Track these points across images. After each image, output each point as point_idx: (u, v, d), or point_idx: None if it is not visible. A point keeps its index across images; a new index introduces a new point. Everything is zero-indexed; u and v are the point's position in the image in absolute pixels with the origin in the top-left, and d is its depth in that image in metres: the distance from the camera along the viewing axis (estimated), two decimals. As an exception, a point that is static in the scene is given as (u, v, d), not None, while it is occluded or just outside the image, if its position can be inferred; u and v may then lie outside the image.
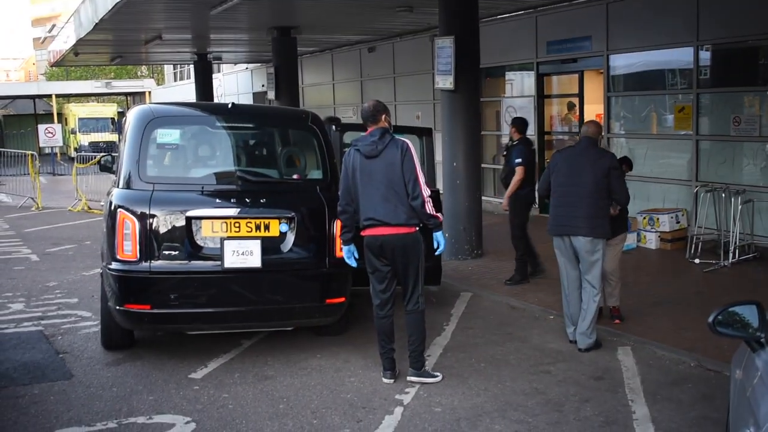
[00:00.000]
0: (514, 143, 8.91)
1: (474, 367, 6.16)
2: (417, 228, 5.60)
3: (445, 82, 10.25)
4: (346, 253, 5.73)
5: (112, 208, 5.85)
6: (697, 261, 9.71)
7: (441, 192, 9.14)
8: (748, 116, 10.36)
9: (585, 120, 12.57)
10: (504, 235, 11.07)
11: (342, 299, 6.20)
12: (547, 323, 7.34)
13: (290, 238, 5.99)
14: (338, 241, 6.03)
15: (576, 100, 13.60)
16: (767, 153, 10.22)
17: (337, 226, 5.96)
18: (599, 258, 6.48)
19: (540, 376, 5.93)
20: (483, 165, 14.31)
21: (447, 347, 6.67)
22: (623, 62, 12.48)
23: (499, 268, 9.68)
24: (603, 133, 12.09)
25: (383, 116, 5.66)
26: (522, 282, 8.81)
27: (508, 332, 7.13)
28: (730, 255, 9.58)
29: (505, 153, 9.17)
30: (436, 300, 8.24)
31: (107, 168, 7.42)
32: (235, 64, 28.26)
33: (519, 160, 8.65)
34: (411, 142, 5.63)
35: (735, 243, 9.62)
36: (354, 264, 5.75)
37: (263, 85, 23.12)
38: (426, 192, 5.51)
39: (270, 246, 5.92)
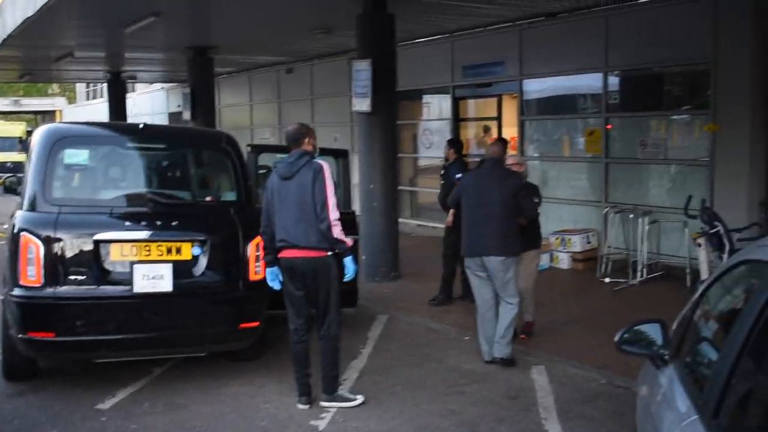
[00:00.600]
0: (451, 162, 9.08)
1: (390, 389, 6.14)
2: (328, 252, 5.53)
3: (362, 104, 10.29)
4: (269, 275, 5.66)
5: (15, 231, 5.61)
6: (607, 280, 9.98)
7: (357, 214, 9.14)
8: (654, 139, 10.76)
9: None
10: (421, 257, 11.13)
11: (256, 323, 6.10)
12: (463, 344, 7.40)
13: (203, 261, 5.88)
14: (252, 264, 5.96)
15: (493, 124, 13.88)
16: (672, 175, 10.62)
17: (260, 247, 5.89)
18: (512, 275, 6.62)
19: (455, 396, 5.95)
20: (399, 187, 14.40)
21: (363, 370, 6.63)
22: (536, 87, 12.81)
23: (416, 290, 9.71)
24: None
25: (306, 139, 5.64)
26: (446, 303, 8.84)
27: (424, 354, 7.14)
28: (639, 274, 9.88)
29: (442, 173, 9.28)
30: (353, 323, 8.20)
31: (12, 190, 7.13)
32: (151, 83, 27.77)
33: (459, 175, 8.68)
34: (328, 164, 5.61)
35: (643, 262, 9.93)
36: (278, 286, 5.68)
37: (179, 106, 22.76)
38: (334, 215, 5.43)
39: (182, 270, 5.80)
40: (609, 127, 11.37)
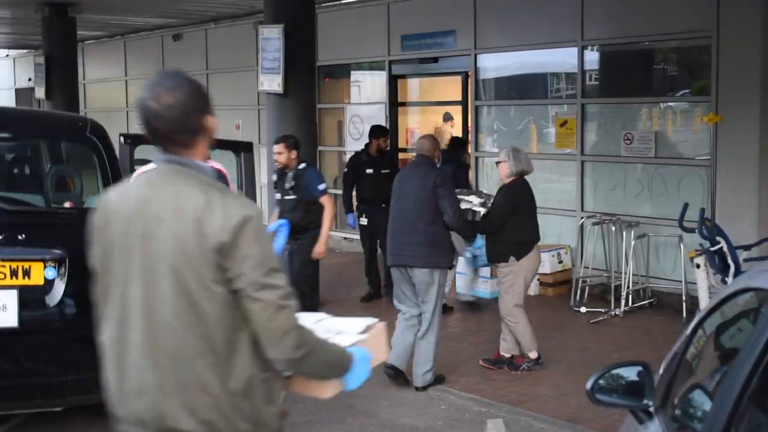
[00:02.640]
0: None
1: (306, 452, 6.15)
2: None
3: (272, 83, 10.27)
4: None
5: None
6: (583, 309, 10.18)
7: (264, 224, 9.11)
8: (641, 132, 11.00)
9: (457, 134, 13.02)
10: (348, 278, 11.19)
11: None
12: (400, 393, 7.45)
13: (59, 287, 5.80)
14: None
15: (452, 110, 14.05)
16: (664, 177, 10.87)
17: None
18: (436, 291, 7.25)
19: (390, 461, 6.00)
20: (322, 189, 14.45)
21: (271, 427, 6.61)
22: (495, 63, 12.97)
23: (340, 322, 9.75)
24: (470, 151, 12.56)
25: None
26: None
27: (349, 405, 7.16)
28: (622, 302, 10.09)
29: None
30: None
31: None
32: (-8, 50, 27.17)
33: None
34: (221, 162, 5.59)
35: (628, 287, 10.15)
36: None
37: (30, 80, 22.30)
38: None
39: (31, 298, 5.73)
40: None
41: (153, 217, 2.78)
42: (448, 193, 7.25)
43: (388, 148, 10.92)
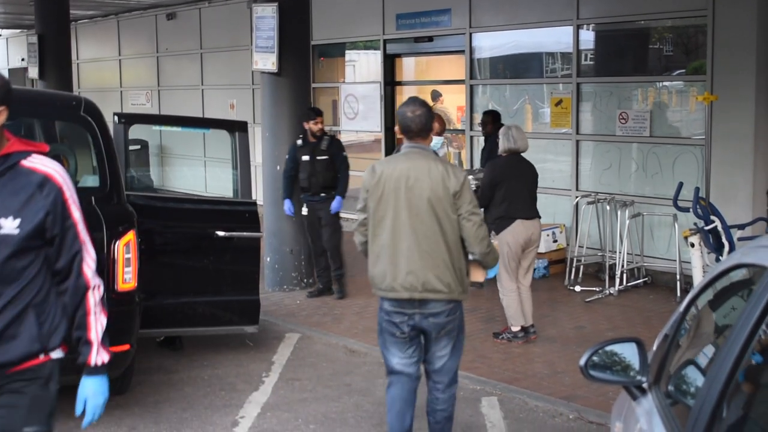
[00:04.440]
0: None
1: (301, 429, 6.19)
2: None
3: (266, 62, 10.26)
4: None
5: None
6: (578, 288, 10.22)
7: (260, 204, 9.13)
8: (637, 112, 11.03)
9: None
10: (345, 258, 11.18)
11: (126, 347, 6.06)
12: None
13: (54, 266, 5.80)
14: (121, 269, 5.92)
15: (451, 89, 14.02)
16: (659, 157, 10.90)
17: (131, 247, 5.93)
18: None
19: (385, 439, 6.04)
20: (316, 169, 14.45)
21: (267, 405, 6.66)
22: (490, 42, 12.96)
23: (335, 300, 9.79)
24: (466, 132, 12.56)
25: None
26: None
27: (345, 384, 7.20)
28: (617, 280, 10.14)
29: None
30: (254, 344, 8.21)
31: None
32: (-16, 29, 27.06)
33: None
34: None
35: (622, 266, 10.19)
36: None
37: (23, 59, 22.24)
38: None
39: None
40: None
41: (413, 177, 5.01)
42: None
43: (321, 132, 9.82)
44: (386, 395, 5.31)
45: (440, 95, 14.28)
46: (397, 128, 5.31)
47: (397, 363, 5.17)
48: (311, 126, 9.73)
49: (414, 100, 5.26)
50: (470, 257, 5.16)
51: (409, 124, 5.11)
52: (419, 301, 5.00)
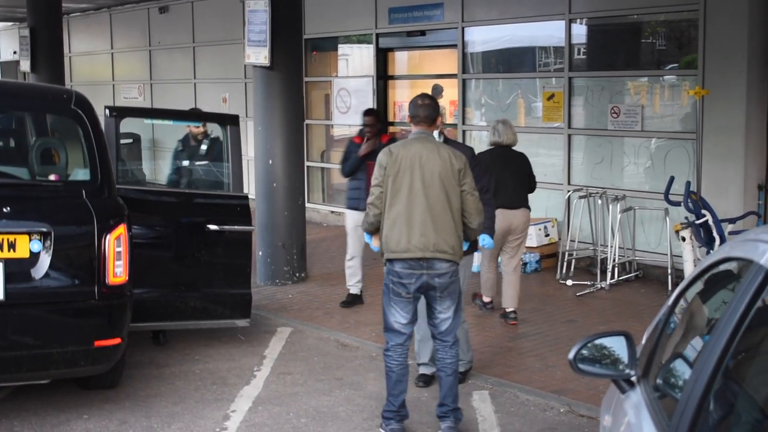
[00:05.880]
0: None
1: (293, 423, 6.20)
2: None
3: (258, 56, 10.25)
4: None
5: None
6: (569, 282, 10.24)
7: (252, 198, 9.13)
8: (628, 106, 11.04)
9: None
10: (336, 252, 11.21)
11: (117, 340, 6.08)
12: (387, 365, 7.49)
13: (45, 260, 5.81)
14: (112, 263, 5.93)
15: (448, 83, 13.99)
16: (651, 151, 10.93)
17: (122, 241, 5.92)
18: None
19: (376, 431, 6.05)
20: (308, 163, 14.45)
21: (258, 399, 6.67)
22: (482, 36, 12.97)
23: (327, 294, 9.78)
24: (459, 126, 12.56)
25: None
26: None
27: (337, 377, 7.22)
28: (608, 275, 10.16)
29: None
30: (245, 338, 8.22)
31: None
32: (-24, 22, 26.98)
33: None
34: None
35: (614, 260, 10.22)
36: None
37: (15, 53, 22.18)
38: None
39: (16, 271, 5.73)
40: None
41: (425, 156, 5.80)
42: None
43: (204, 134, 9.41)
44: (384, 361, 6.01)
45: (442, 90, 14.20)
46: (408, 117, 6.17)
47: (395, 321, 5.90)
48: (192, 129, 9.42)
49: (424, 94, 6.30)
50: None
51: (417, 111, 6.00)
52: (428, 261, 5.74)
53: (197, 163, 9.26)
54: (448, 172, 5.79)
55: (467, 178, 5.85)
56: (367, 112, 9.35)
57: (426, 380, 6.96)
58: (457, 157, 5.85)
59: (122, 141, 7.66)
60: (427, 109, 6.02)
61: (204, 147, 9.33)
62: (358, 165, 8.98)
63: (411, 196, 5.77)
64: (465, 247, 6.14)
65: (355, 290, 9.39)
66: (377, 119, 9.34)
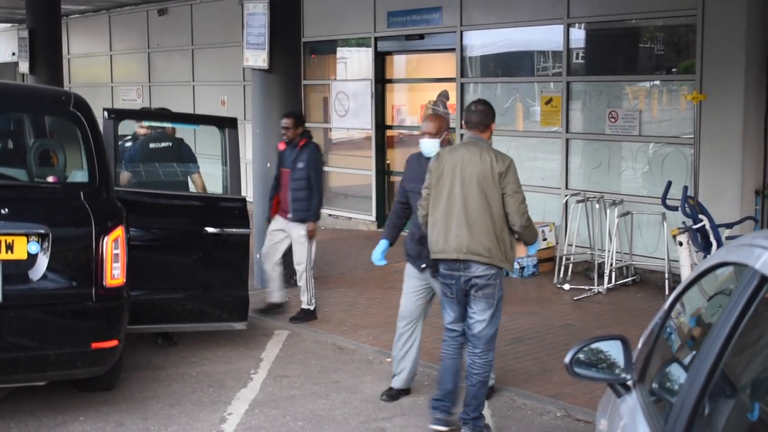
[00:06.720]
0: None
1: (289, 426, 6.20)
2: None
3: (257, 59, 10.25)
4: None
5: None
6: (566, 287, 10.25)
7: (250, 201, 9.13)
8: (626, 111, 11.06)
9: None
10: (333, 255, 11.22)
11: (114, 342, 6.08)
12: (383, 368, 7.50)
13: (42, 261, 5.82)
14: (109, 265, 5.93)
15: (433, 87, 14.00)
16: (648, 156, 10.93)
17: (120, 243, 5.93)
18: None
19: (373, 435, 6.06)
20: (307, 166, 14.42)
21: (255, 402, 6.68)
22: (481, 41, 12.98)
23: (325, 297, 9.78)
24: (457, 130, 12.57)
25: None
26: None
27: (334, 381, 7.22)
28: (606, 279, 10.17)
29: None
30: (242, 341, 8.22)
31: None
32: (-25, 24, 26.97)
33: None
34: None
35: (611, 264, 10.22)
36: None
37: (13, 54, 22.16)
38: None
39: (14, 272, 5.73)
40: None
41: (467, 159, 5.89)
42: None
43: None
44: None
45: (448, 96, 14.12)
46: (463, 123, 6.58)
47: (446, 319, 6.16)
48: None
49: (480, 99, 6.50)
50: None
51: (470, 117, 6.20)
52: (464, 263, 5.86)
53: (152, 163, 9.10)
54: (488, 175, 5.84)
55: (509, 180, 5.87)
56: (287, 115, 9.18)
57: (391, 394, 6.80)
58: (501, 161, 5.89)
59: (121, 143, 7.65)
60: (479, 115, 6.15)
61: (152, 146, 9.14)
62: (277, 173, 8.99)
63: (450, 198, 5.90)
64: (532, 252, 6.47)
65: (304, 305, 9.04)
66: (296, 122, 9.04)
